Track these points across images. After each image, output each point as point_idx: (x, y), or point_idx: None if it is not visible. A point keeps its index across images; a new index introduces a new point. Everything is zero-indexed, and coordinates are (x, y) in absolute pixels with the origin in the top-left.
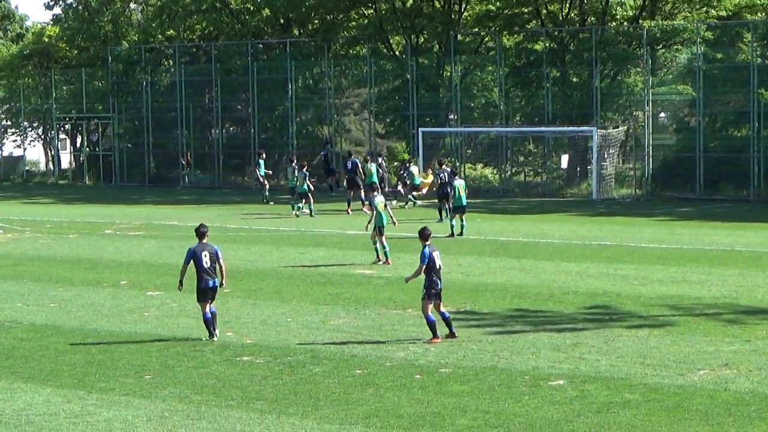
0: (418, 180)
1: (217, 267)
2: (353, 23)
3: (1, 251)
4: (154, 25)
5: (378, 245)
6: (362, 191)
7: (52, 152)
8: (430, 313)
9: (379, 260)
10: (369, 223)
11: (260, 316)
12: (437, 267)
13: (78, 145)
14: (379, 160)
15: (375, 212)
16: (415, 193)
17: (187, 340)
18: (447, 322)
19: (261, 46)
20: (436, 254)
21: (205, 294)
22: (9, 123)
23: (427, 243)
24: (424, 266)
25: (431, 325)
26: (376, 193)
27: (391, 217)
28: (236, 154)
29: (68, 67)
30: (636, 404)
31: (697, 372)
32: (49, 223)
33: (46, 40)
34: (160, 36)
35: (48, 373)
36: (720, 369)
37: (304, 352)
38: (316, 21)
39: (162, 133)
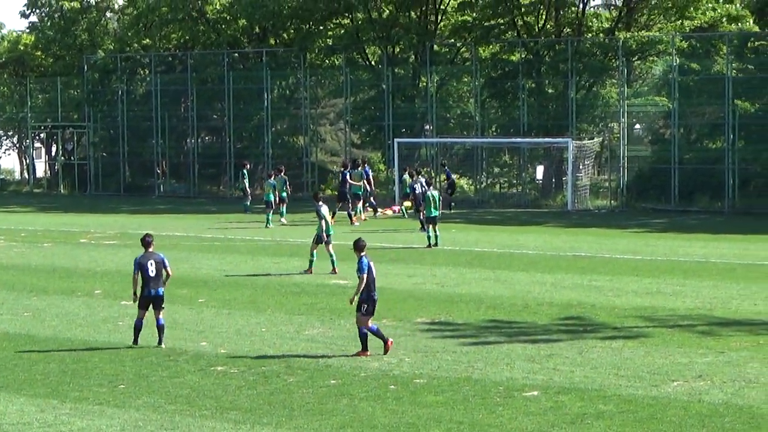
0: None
1: (164, 274)
2: (329, 33)
3: None
4: (130, 34)
5: (314, 255)
6: (349, 203)
7: (27, 161)
8: (365, 325)
9: (310, 272)
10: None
11: (235, 325)
12: (373, 278)
13: (53, 153)
14: (366, 168)
15: (321, 221)
16: (407, 203)
17: (161, 349)
18: (378, 334)
19: (237, 55)
20: (372, 265)
21: (147, 302)
22: None
23: (363, 254)
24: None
25: (364, 338)
26: (321, 202)
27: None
28: (212, 163)
29: (44, 75)
30: (610, 415)
31: (670, 383)
32: (23, 232)
33: (22, 48)
34: (136, 45)
35: (21, 382)
36: (694, 380)
37: (279, 362)
38: (292, 31)
39: (137, 142)
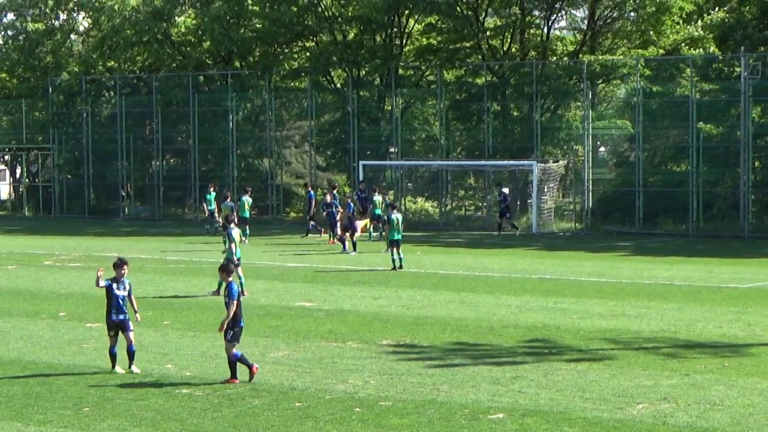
0: (379, 210)
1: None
2: (294, 55)
3: None
4: (94, 56)
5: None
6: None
7: None
8: (232, 352)
9: (218, 293)
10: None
11: (200, 348)
12: (240, 304)
13: (17, 176)
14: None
15: (231, 244)
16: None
17: (127, 371)
18: (243, 360)
19: (202, 78)
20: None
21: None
22: None
23: (231, 279)
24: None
25: (234, 364)
26: (232, 225)
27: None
28: (176, 186)
29: (8, 97)
30: None
31: (635, 406)
32: None
33: None
34: (100, 67)
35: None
36: (659, 403)
37: (244, 385)
38: (257, 53)
39: (102, 164)
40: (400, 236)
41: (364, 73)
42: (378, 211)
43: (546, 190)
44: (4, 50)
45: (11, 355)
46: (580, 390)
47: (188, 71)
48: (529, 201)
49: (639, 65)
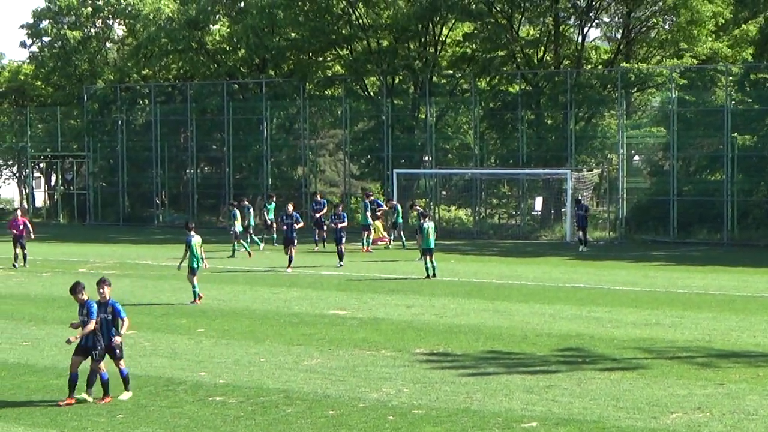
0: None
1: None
2: (329, 64)
3: None
4: (129, 64)
5: (195, 285)
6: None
7: (27, 190)
8: (103, 370)
9: (197, 301)
10: (182, 262)
11: (233, 356)
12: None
13: (53, 183)
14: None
15: (189, 252)
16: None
17: (160, 379)
18: (105, 384)
19: (236, 86)
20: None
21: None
22: None
23: (87, 298)
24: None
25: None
26: (192, 232)
27: (203, 259)
28: (211, 194)
29: (44, 105)
30: None
31: (669, 415)
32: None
33: (22, 78)
34: (135, 75)
35: (20, 411)
36: (693, 412)
37: (277, 393)
38: (292, 61)
39: (137, 172)
40: (432, 245)
41: (398, 81)
42: (400, 220)
43: (580, 198)
44: (40, 58)
45: (45, 362)
46: (613, 399)
47: (222, 79)
48: (563, 210)
49: (673, 75)
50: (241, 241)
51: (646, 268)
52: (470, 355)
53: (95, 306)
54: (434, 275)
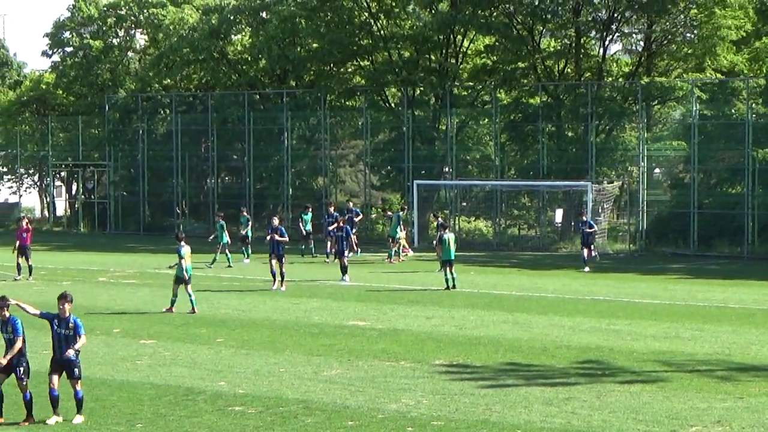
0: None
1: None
2: (349, 75)
3: None
4: (151, 74)
5: (178, 295)
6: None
7: (48, 199)
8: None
9: (171, 311)
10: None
11: (253, 366)
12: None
13: (73, 192)
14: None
15: (182, 261)
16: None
17: (180, 388)
18: (28, 404)
19: (257, 96)
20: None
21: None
22: (5, 169)
23: (9, 314)
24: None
25: (30, 403)
26: (183, 242)
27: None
28: (231, 203)
29: (65, 114)
30: None
31: (689, 428)
32: (43, 270)
33: (44, 87)
34: (157, 85)
35: (40, 420)
36: (712, 426)
37: (297, 403)
38: (313, 72)
39: (157, 181)
40: (452, 256)
41: (419, 92)
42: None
43: (600, 211)
44: (61, 67)
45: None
46: (633, 412)
47: (244, 89)
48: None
49: (694, 90)
50: (227, 252)
51: (666, 280)
52: (490, 367)
53: (20, 322)
54: (454, 286)
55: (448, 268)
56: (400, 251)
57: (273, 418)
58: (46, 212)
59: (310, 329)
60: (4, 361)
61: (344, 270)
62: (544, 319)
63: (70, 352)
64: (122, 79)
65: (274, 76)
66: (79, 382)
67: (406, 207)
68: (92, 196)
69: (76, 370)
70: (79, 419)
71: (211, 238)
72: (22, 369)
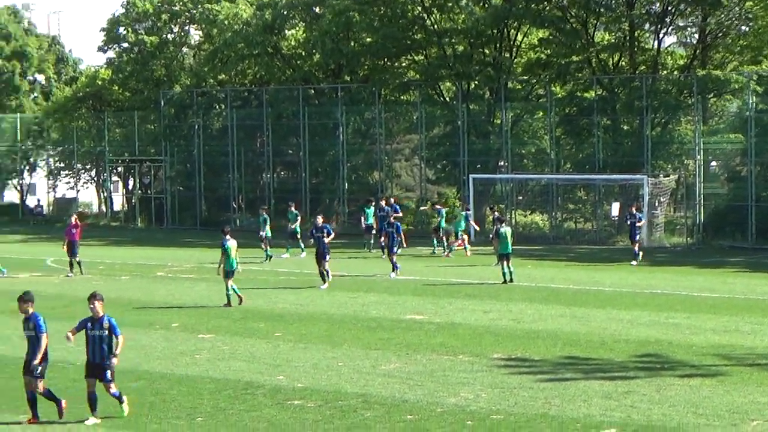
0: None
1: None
2: (404, 69)
3: (54, 292)
4: (206, 69)
5: (228, 289)
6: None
7: (105, 194)
8: (38, 388)
9: (230, 305)
10: (220, 266)
11: (311, 360)
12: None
13: (130, 187)
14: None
15: (225, 256)
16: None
17: (239, 382)
18: (51, 396)
19: (312, 91)
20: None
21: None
22: (62, 165)
23: (33, 310)
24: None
25: (33, 401)
26: (228, 236)
27: (238, 263)
28: (287, 198)
29: (121, 109)
30: None
31: (749, 423)
32: (101, 265)
33: (100, 83)
34: (212, 80)
35: (100, 413)
36: None
37: (356, 397)
38: (367, 66)
39: (213, 176)
40: (509, 250)
41: (473, 86)
42: (443, 224)
43: (657, 204)
44: (117, 63)
45: (125, 365)
46: (693, 406)
47: (298, 84)
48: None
49: (750, 82)
50: (267, 246)
51: (725, 274)
52: (548, 361)
53: (42, 318)
54: (511, 280)
55: (505, 262)
56: (454, 246)
57: (332, 411)
58: (103, 207)
59: (367, 323)
60: (36, 361)
61: (394, 266)
62: (602, 313)
63: (114, 361)
64: (177, 74)
65: (329, 70)
66: (112, 384)
67: (466, 205)
68: (149, 191)
69: (108, 373)
70: (126, 409)
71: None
72: (40, 369)
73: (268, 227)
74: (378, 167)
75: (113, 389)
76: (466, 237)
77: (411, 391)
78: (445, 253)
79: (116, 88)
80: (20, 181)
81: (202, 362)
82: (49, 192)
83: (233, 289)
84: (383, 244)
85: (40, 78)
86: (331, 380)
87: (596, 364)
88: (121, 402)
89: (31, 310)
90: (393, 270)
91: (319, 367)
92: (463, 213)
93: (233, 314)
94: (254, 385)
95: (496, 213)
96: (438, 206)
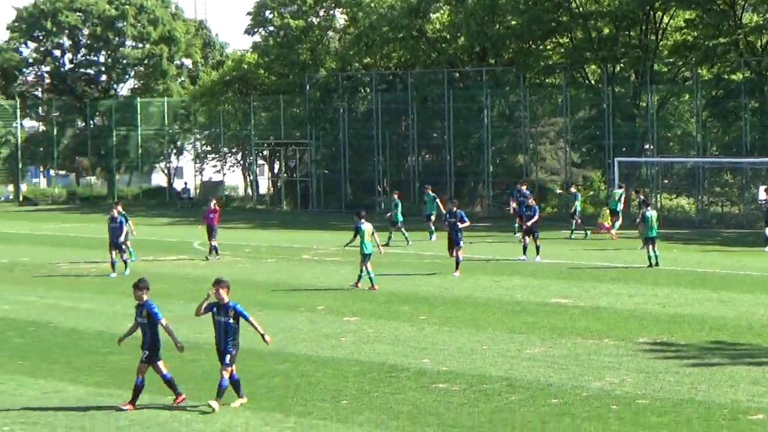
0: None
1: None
2: (548, 52)
3: (200, 274)
4: (351, 52)
5: (367, 271)
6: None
7: (251, 177)
8: (165, 371)
9: (357, 286)
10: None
11: (456, 343)
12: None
13: (276, 170)
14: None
15: (360, 239)
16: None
17: (384, 365)
18: (170, 384)
19: (456, 74)
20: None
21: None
22: (209, 148)
23: (147, 297)
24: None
25: (171, 383)
26: (363, 219)
27: (378, 245)
28: (432, 181)
29: (267, 93)
30: None
31: None
32: (247, 248)
33: (246, 67)
34: (357, 64)
35: (247, 396)
36: None
37: (500, 380)
38: (512, 49)
39: (358, 159)
40: (655, 233)
41: (618, 69)
42: (615, 206)
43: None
44: (263, 46)
45: (271, 347)
46: None
47: (443, 67)
48: None
49: None
50: (401, 228)
51: None
52: (694, 345)
53: (155, 305)
54: (657, 264)
55: (650, 246)
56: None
57: (477, 395)
58: (249, 190)
59: (512, 307)
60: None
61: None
62: (750, 298)
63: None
64: (322, 58)
65: (473, 53)
66: (228, 369)
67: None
68: (294, 175)
69: (228, 357)
70: (214, 404)
71: (390, 216)
72: (146, 354)
73: (399, 212)
74: (522, 150)
75: (225, 375)
76: (619, 222)
77: (555, 375)
78: (612, 236)
79: (262, 71)
80: (167, 165)
81: (347, 345)
82: (195, 175)
83: (368, 273)
84: (524, 227)
85: (188, 62)
86: (476, 364)
87: (744, 350)
88: (238, 392)
89: (145, 297)
90: (537, 253)
91: (464, 351)
92: (618, 191)
93: (377, 297)
94: (399, 368)
95: (641, 196)
96: (573, 189)
